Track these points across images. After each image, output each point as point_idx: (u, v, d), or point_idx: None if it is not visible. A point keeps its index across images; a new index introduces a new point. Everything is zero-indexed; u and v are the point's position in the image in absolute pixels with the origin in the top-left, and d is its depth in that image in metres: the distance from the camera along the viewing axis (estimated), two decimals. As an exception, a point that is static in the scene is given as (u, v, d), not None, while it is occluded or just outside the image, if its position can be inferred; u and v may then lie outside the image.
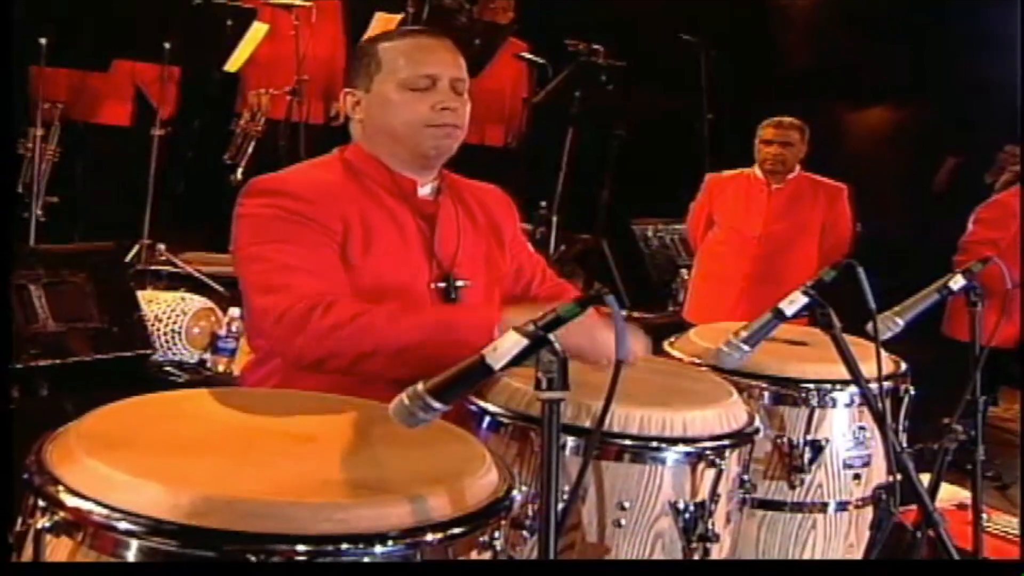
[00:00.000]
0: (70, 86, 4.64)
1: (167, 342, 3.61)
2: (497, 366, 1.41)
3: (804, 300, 1.90)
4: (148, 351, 3.46)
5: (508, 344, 1.41)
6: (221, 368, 3.57)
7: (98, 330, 3.38)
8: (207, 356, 3.63)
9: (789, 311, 1.91)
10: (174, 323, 3.55)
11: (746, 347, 1.97)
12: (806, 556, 2.34)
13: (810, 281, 1.92)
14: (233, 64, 4.71)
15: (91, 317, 3.41)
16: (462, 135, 2.08)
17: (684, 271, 5.64)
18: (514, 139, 6.20)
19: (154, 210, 4.70)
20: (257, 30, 4.68)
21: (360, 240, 1.99)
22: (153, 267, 4.71)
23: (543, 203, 5.66)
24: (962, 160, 6.29)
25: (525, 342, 1.41)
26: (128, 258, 4.58)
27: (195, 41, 4.47)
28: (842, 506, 2.35)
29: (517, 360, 1.41)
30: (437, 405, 1.40)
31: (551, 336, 1.41)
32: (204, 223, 5.33)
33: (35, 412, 3.10)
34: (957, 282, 2.38)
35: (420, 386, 1.40)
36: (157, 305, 3.62)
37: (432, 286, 2.07)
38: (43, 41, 4.06)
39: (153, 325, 3.57)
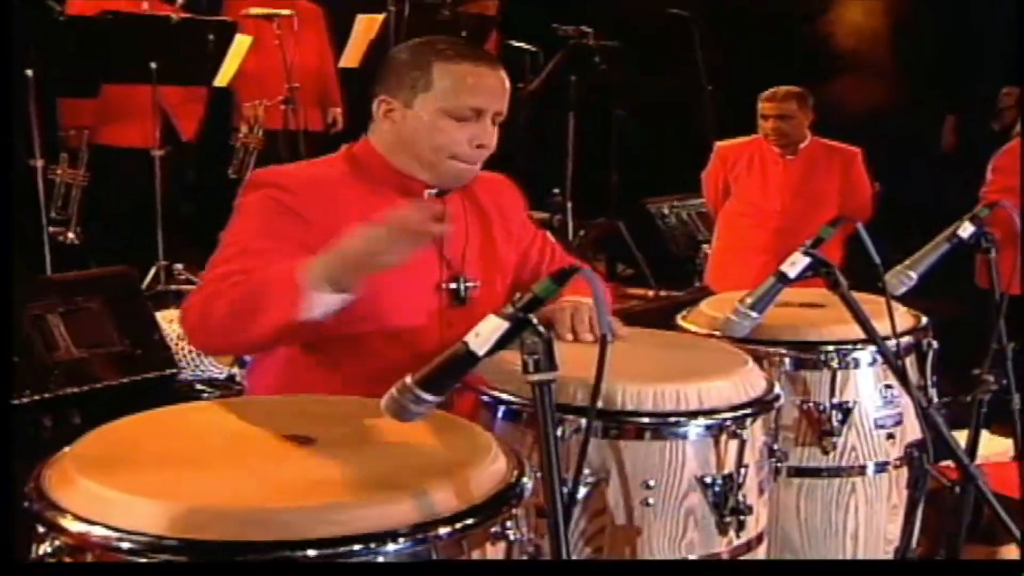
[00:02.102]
0: (95, 111, 4.67)
1: (193, 360, 3.62)
2: (481, 352, 1.38)
3: (806, 261, 1.87)
4: (173, 371, 3.46)
5: (488, 329, 1.39)
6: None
7: (121, 354, 3.40)
8: (236, 371, 3.63)
9: (792, 273, 1.88)
10: (199, 341, 3.55)
11: (754, 314, 1.93)
12: (849, 521, 2.30)
13: (809, 241, 1.88)
14: (222, 79, 4.72)
15: (112, 341, 3.43)
16: (484, 157, 2.04)
17: (705, 246, 5.58)
18: (516, 124, 6.16)
19: (166, 231, 4.72)
20: (241, 43, 4.68)
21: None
22: (173, 288, 4.72)
23: (556, 190, 5.62)
24: (960, 115, 6.20)
25: (506, 325, 1.38)
26: (147, 281, 4.60)
27: (180, 59, 4.48)
28: (881, 467, 2.30)
29: (500, 344, 1.39)
30: (428, 397, 1.37)
31: (531, 317, 1.38)
32: (216, 241, 5.33)
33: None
34: (966, 229, 2.33)
35: (408, 379, 1.38)
36: (180, 325, 3.62)
37: (443, 287, 2.03)
38: (29, 73, 4.07)
39: (177, 344, 3.58)
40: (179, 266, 4.82)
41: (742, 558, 1.85)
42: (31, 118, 4.13)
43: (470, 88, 1.94)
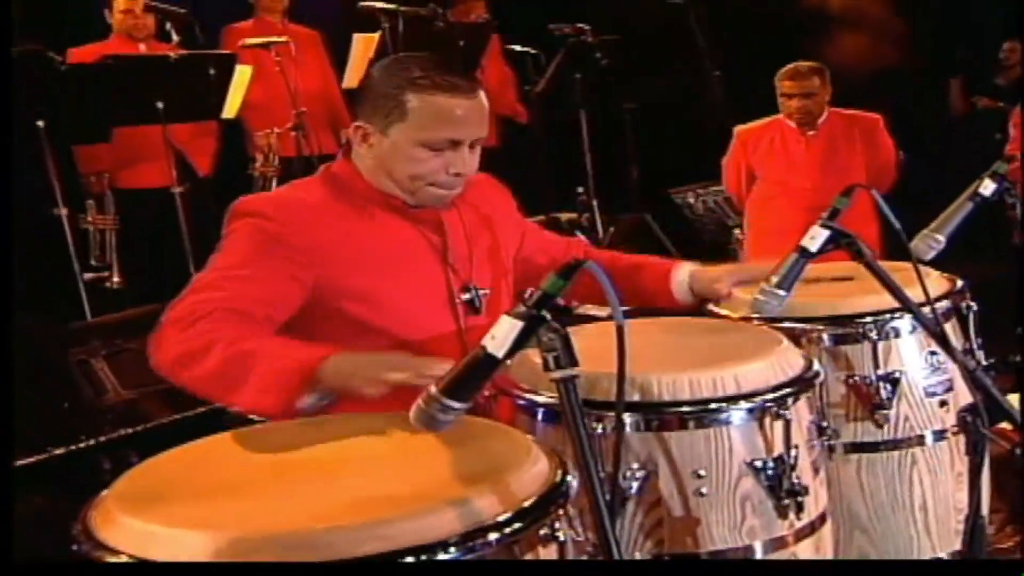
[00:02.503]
0: (110, 156, 4.73)
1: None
2: (500, 354, 1.37)
3: (826, 233, 1.84)
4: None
5: (504, 330, 1.38)
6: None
7: (168, 391, 3.40)
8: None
9: (813, 247, 1.86)
10: (242, 371, 3.57)
11: (781, 291, 1.91)
12: (915, 493, 2.26)
13: (825, 213, 1.85)
14: (229, 111, 4.74)
15: (158, 380, 3.43)
16: (464, 181, 2.02)
17: (736, 231, 5.54)
18: (530, 126, 6.13)
19: (197, 267, 4.73)
20: (242, 73, 4.70)
21: (349, 257, 1.93)
22: (209, 323, 4.73)
23: (580, 189, 5.60)
24: (961, 78, 6.11)
25: (520, 324, 1.37)
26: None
27: (184, 95, 4.50)
28: (939, 435, 2.27)
29: (518, 344, 1.38)
30: (455, 404, 1.37)
31: (545, 314, 1.37)
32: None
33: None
34: (987, 187, 2.30)
35: (433, 389, 1.37)
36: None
37: (458, 299, 2.01)
38: (40, 124, 4.12)
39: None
40: (213, 300, 4.83)
41: (802, 545, 1.81)
42: (48, 168, 4.17)
43: (445, 121, 1.91)
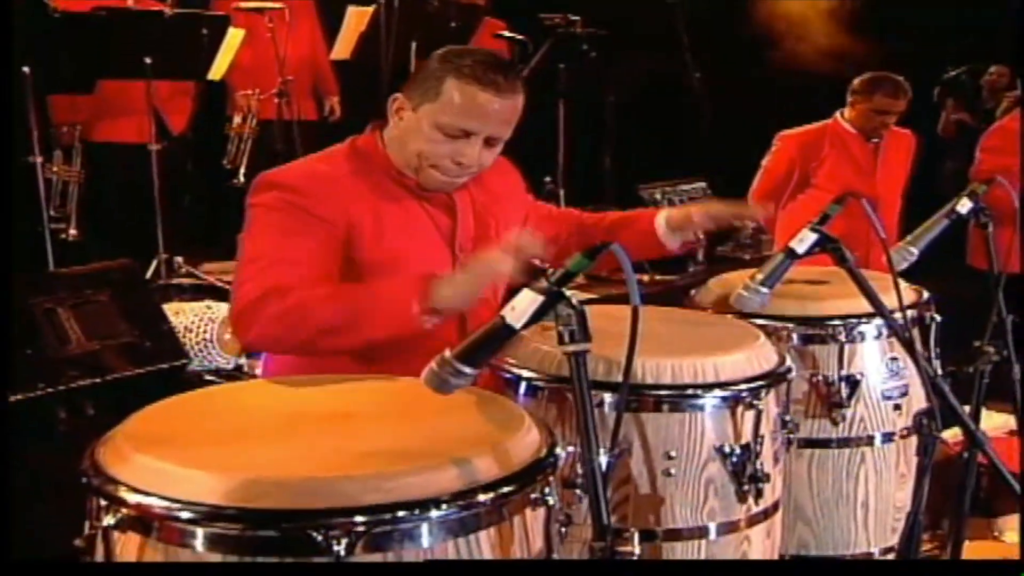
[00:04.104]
0: (88, 108, 4.69)
1: (201, 351, 3.65)
2: (518, 325, 1.43)
3: (814, 237, 1.91)
4: (184, 361, 3.49)
5: (524, 303, 1.43)
6: (258, 371, 3.60)
7: (131, 345, 3.42)
8: (243, 361, 3.66)
9: (800, 249, 1.92)
10: (204, 332, 3.59)
11: (764, 289, 1.99)
12: (860, 490, 2.37)
13: (816, 218, 1.94)
14: (216, 73, 4.73)
15: (122, 333, 3.45)
16: (473, 174, 2.09)
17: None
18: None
19: (165, 225, 4.74)
20: (234, 36, 4.69)
21: (371, 233, 2.00)
22: (174, 281, 4.74)
23: (548, 178, 5.66)
24: (962, 102, 6.23)
25: (541, 299, 1.43)
26: (148, 274, 4.62)
27: (174, 54, 4.49)
28: (887, 437, 2.37)
29: (536, 317, 1.43)
30: (467, 370, 1.42)
31: (565, 290, 1.43)
32: (215, 231, 5.37)
33: (84, 431, 3.15)
34: (964, 205, 2.38)
35: (447, 353, 1.43)
36: (185, 316, 3.66)
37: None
38: (26, 70, 4.09)
39: (184, 336, 3.60)
40: (179, 259, 4.84)
41: (755, 530, 1.91)
42: (29, 115, 4.14)
43: (466, 110, 1.98)
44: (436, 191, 2.08)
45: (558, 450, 1.50)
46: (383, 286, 1.88)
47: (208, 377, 3.60)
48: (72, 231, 4.65)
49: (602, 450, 1.55)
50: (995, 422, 3.26)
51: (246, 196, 2.04)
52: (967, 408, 2.35)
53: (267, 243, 1.94)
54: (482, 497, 1.35)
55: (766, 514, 1.93)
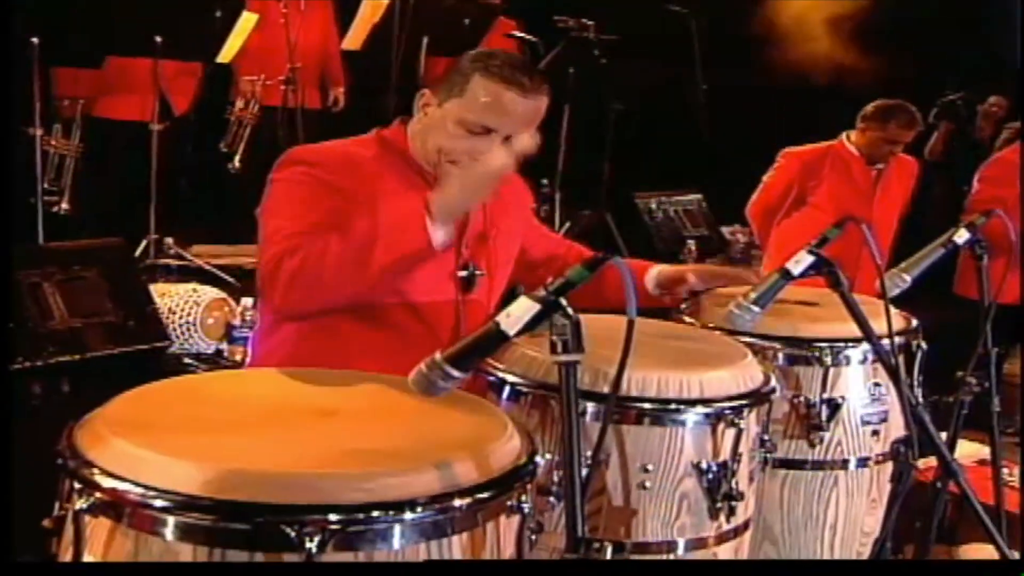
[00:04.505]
0: (92, 83, 4.67)
1: (183, 334, 3.64)
2: (511, 332, 1.43)
3: (810, 259, 1.91)
4: (165, 343, 3.49)
5: (520, 310, 1.43)
6: (238, 357, 3.61)
7: (114, 324, 3.42)
8: (223, 346, 3.66)
9: (796, 270, 1.93)
10: (188, 315, 3.58)
11: (756, 308, 1.99)
12: (830, 513, 2.36)
13: (815, 240, 1.94)
14: (225, 55, 4.73)
15: (106, 312, 3.45)
16: None
17: (691, 242, 5.65)
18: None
19: (159, 205, 4.73)
20: (247, 20, 4.69)
21: (388, 212, 2.00)
22: (162, 261, 4.73)
23: (544, 181, 5.67)
24: (955, 128, 6.25)
25: (537, 307, 1.43)
26: (137, 254, 4.61)
27: (185, 34, 4.48)
28: (862, 462, 2.37)
29: (531, 325, 1.43)
30: (456, 373, 1.42)
31: (562, 300, 1.43)
32: (208, 215, 5.36)
33: (58, 408, 3.14)
34: (962, 236, 2.39)
35: (438, 355, 1.42)
36: (170, 298, 3.65)
37: (458, 271, 2.13)
38: (35, 41, 4.07)
39: (168, 318, 3.60)
40: (169, 240, 4.83)
41: (722, 548, 1.91)
42: (34, 86, 4.12)
43: (490, 108, 2.01)
44: None
45: (537, 458, 1.50)
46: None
47: (187, 360, 3.59)
48: (64, 205, 4.65)
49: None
50: (966, 450, 3.27)
51: (272, 171, 2.07)
52: (944, 435, 2.37)
53: (292, 213, 1.97)
54: (458, 502, 1.34)
55: (736, 532, 1.93)
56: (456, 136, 2.03)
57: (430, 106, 2.09)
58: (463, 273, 2.14)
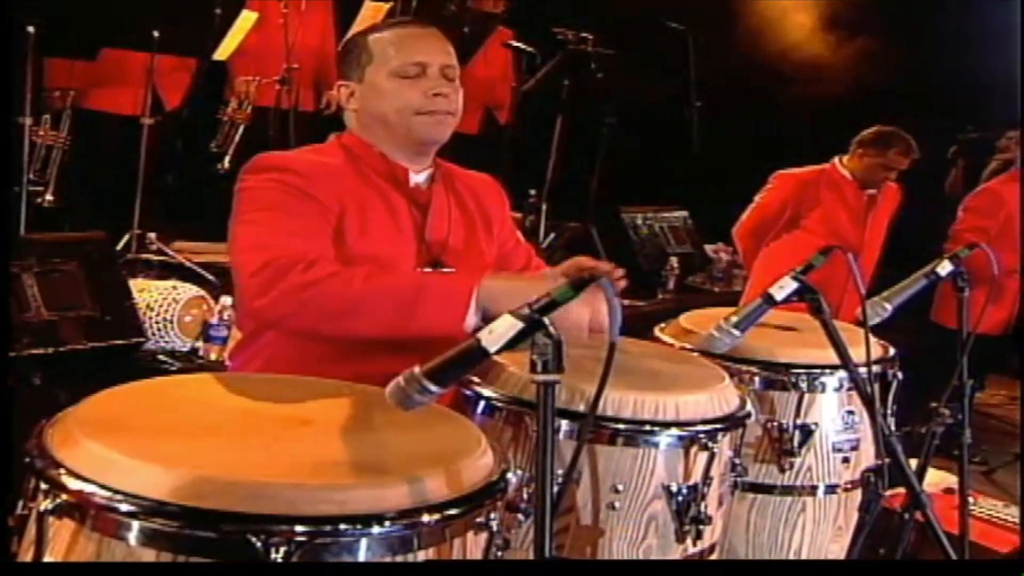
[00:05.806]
0: (84, 74, 4.65)
1: (159, 331, 3.61)
2: (492, 349, 1.42)
3: (794, 285, 1.92)
4: (141, 339, 3.47)
5: (503, 327, 1.42)
6: (213, 356, 3.58)
7: (91, 318, 3.39)
8: (199, 344, 3.64)
9: (779, 296, 1.93)
10: (166, 312, 3.56)
11: (736, 332, 1.99)
12: (795, 538, 2.37)
13: (799, 267, 1.94)
14: (222, 53, 4.71)
15: (84, 305, 3.43)
16: (455, 121, 2.12)
17: (674, 259, 5.65)
18: (507, 125, 6.20)
19: (144, 200, 4.71)
20: (246, 19, 4.67)
21: (356, 222, 2.02)
22: (144, 256, 4.71)
23: (532, 191, 5.67)
24: (969, 163, 6.27)
25: (520, 325, 1.42)
26: (118, 248, 4.58)
27: (183, 29, 4.47)
28: (831, 489, 2.38)
29: (512, 343, 1.42)
30: (434, 388, 1.41)
31: (545, 319, 1.42)
32: (193, 213, 5.33)
33: (29, 401, 3.11)
34: (944, 268, 2.41)
35: (417, 369, 1.41)
36: (149, 294, 3.63)
37: (421, 271, 2.09)
38: (31, 29, 4.05)
39: (145, 314, 3.57)
40: (152, 235, 4.80)
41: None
42: (26, 74, 4.09)
43: (406, 47, 2.06)
44: (434, 142, 2.11)
45: (509, 475, 1.50)
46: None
47: (162, 357, 3.57)
48: (49, 196, 4.61)
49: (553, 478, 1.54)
50: (932, 479, 3.29)
51: (238, 177, 2.03)
52: (913, 463, 2.38)
53: (277, 220, 1.92)
54: (426, 517, 1.34)
55: (701, 555, 1.93)
56: (400, 89, 2.05)
57: (353, 92, 2.11)
58: (428, 270, 2.09)
